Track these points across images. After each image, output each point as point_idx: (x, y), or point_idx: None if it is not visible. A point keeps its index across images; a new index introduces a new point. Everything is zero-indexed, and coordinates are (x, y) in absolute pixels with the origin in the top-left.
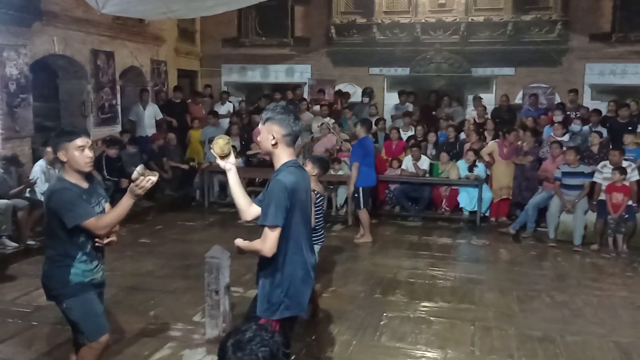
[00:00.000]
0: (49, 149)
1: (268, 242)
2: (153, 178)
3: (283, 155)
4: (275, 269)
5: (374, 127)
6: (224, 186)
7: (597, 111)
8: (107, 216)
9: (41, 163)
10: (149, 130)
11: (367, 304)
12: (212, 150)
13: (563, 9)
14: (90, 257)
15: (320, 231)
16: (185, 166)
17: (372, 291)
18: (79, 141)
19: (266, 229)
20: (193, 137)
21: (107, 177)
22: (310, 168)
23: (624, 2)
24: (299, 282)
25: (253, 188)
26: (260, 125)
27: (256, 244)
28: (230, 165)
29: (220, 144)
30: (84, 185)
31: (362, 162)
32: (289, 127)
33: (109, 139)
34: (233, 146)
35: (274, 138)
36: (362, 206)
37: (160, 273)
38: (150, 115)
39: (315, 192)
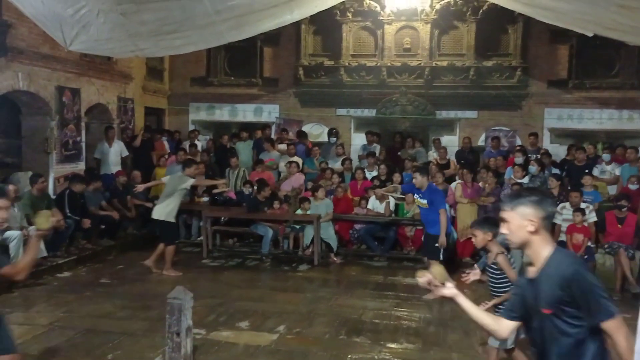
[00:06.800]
0: (10, 187)
1: (623, 329)
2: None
3: (546, 242)
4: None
5: (340, 166)
6: (189, 225)
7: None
8: (22, 261)
9: None
10: (115, 167)
11: (332, 346)
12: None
13: (522, 56)
14: None
15: None
16: (149, 204)
17: (337, 332)
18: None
19: (612, 322)
20: (158, 174)
21: (69, 214)
22: (482, 235)
23: (579, 51)
24: None
25: (218, 227)
26: (505, 214)
27: (623, 346)
28: (453, 290)
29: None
30: None
31: None
32: (546, 208)
33: (74, 175)
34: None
35: (532, 223)
36: None
37: (119, 314)
38: (116, 152)
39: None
